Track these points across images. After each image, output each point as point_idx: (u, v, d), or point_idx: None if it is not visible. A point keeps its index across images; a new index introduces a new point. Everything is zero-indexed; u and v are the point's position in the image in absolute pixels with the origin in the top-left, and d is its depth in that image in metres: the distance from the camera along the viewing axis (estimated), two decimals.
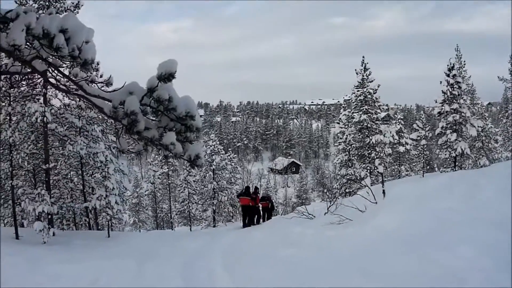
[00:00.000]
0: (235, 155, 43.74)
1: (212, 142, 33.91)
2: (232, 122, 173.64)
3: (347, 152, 28.90)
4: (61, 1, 16.95)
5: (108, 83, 5.68)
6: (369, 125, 27.16)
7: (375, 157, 24.82)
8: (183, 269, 10.28)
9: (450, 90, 17.39)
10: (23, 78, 14.12)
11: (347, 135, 28.78)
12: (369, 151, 26.96)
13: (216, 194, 33.13)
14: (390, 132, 23.66)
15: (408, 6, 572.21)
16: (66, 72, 5.46)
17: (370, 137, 26.35)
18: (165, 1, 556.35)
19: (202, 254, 12.19)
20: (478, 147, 26.07)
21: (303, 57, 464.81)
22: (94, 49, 4.69)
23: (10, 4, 21.62)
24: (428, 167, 23.17)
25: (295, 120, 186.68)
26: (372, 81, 27.68)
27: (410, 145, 28.74)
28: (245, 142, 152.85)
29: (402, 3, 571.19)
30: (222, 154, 34.99)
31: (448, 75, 17.59)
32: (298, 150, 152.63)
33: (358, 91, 27.77)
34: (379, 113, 27.49)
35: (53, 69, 5.12)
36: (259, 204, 20.17)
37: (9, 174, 15.31)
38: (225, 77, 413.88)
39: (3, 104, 15.47)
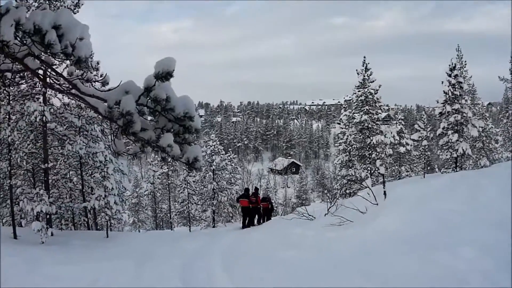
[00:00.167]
0: (235, 156, 43.70)
1: (212, 142, 33.82)
2: (233, 122, 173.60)
3: (347, 153, 28.82)
4: (61, 0, 16.84)
5: (104, 82, 5.46)
6: (370, 126, 27.09)
7: (376, 158, 24.73)
8: (182, 270, 10.20)
9: (452, 90, 17.30)
10: (19, 77, 13.95)
11: (347, 136, 28.69)
12: (370, 152, 26.88)
13: (216, 195, 33.04)
14: (391, 133, 23.60)
15: (408, 6, 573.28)
16: (63, 72, 5.28)
17: (371, 138, 26.27)
18: (165, 0, 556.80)
19: (202, 255, 12.10)
20: (479, 148, 25.99)
21: (303, 57, 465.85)
22: (89, 46, 4.54)
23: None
24: (428, 168, 23.07)
25: (295, 120, 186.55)
26: (373, 81, 27.61)
27: (411, 145, 28.65)
28: (245, 142, 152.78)
29: (402, 3, 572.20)
30: (222, 154, 34.89)
31: (449, 75, 17.50)
32: (298, 150, 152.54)
33: (359, 91, 27.70)
34: (380, 113, 27.42)
35: (46, 67, 4.97)
36: (261, 205, 20.13)
37: (8, 174, 15.23)
38: (225, 77, 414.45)
39: (2, 103, 15.39)
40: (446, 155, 17.55)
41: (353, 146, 28.26)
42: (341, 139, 30.29)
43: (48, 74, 5.34)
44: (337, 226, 12.07)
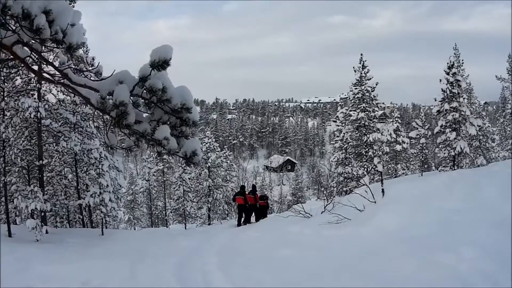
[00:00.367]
0: (231, 153, 43.54)
1: (208, 139, 33.65)
2: (228, 119, 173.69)
3: (343, 150, 28.72)
4: None
5: (97, 72, 5.14)
6: (366, 123, 26.99)
7: (374, 156, 24.63)
8: (178, 269, 10.07)
9: (450, 88, 17.21)
10: (11, 67, 13.59)
11: (344, 133, 28.59)
12: (366, 150, 26.79)
13: (211, 192, 32.90)
14: (388, 130, 23.53)
15: (405, 5, 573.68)
16: (56, 65, 5.04)
17: (368, 135, 26.16)
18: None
19: (198, 254, 11.97)
20: (475, 146, 25.97)
21: (299, 55, 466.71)
22: (81, 33, 4.30)
23: None
24: (426, 166, 23.03)
25: (290, 118, 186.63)
26: (370, 78, 27.47)
27: (407, 143, 28.61)
28: (241, 139, 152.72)
29: (400, 3, 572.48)
30: (218, 151, 34.75)
31: (448, 73, 17.41)
32: (293, 148, 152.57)
33: (356, 88, 27.57)
34: (376, 111, 27.32)
35: (35, 55, 4.70)
36: (259, 203, 20.04)
37: (2, 171, 15.05)
38: (221, 74, 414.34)
39: None
40: (444, 153, 17.49)
41: (349, 143, 28.16)
42: (337, 136, 30.18)
43: (38, 62, 5.09)
44: (335, 224, 11.99)
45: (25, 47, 4.49)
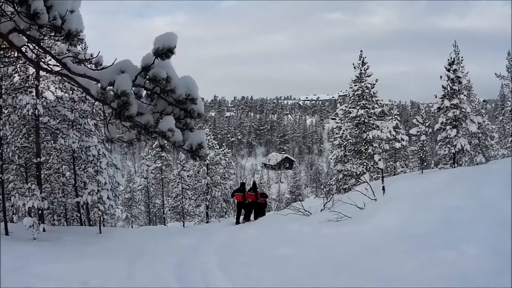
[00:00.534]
0: (229, 150, 43.43)
1: (206, 136, 33.53)
2: (226, 117, 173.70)
3: (343, 148, 28.63)
4: None
5: (97, 63, 4.85)
6: (366, 120, 26.90)
7: (374, 153, 24.56)
8: (177, 268, 9.97)
9: (451, 85, 17.11)
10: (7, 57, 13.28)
11: (343, 130, 28.49)
12: (366, 147, 26.71)
13: (210, 190, 32.83)
14: (387, 128, 23.47)
15: (402, 3, 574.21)
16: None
17: (367, 133, 26.08)
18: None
19: (196, 252, 11.88)
20: (475, 144, 25.88)
21: (298, 53, 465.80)
22: (81, 20, 4.12)
23: None
24: (425, 164, 22.93)
25: (289, 115, 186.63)
26: (369, 75, 27.39)
27: (406, 141, 28.52)
28: (239, 137, 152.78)
29: (397, 2, 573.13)
30: (216, 149, 34.70)
31: (448, 70, 17.29)
32: (292, 145, 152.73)
33: (355, 85, 27.47)
34: (376, 108, 27.23)
35: (32, 43, 4.49)
36: (260, 200, 19.95)
37: (0, 168, 14.93)
38: (219, 72, 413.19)
39: None
40: (444, 150, 17.39)
41: (348, 141, 28.06)
42: (337, 133, 30.10)
43: (35, 51, 4.87)
44: (335, 222, 11.90)
45: (22, 36, 4.31)
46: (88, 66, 4.67)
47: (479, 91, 33.03)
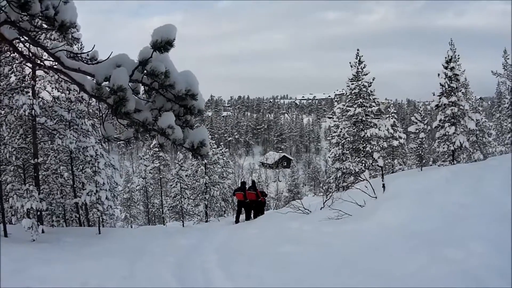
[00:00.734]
0: (227, 150, 43.35)
1: None
2: (223, 116, 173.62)
3: (340, 146, 28.63)
4: None
5: (93, 57, 4.56)
6: (363, 119, 26.89)
7: (373, 151, 24.53)
8: (177, 268, 9.92)
9: (448, 82, 17.12)
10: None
11: (341, 129, 28.50)
12: (364, 145, 26.70)
13: (208, 189, 32.80)
14: (385, 126, 23.46)
15: (400, 1, 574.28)
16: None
17: (365, 131, 26.07)
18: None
19: (196, 252, 11.83)
20: (472, 141, 25.93)
21: (295, 52, 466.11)
22: (75, 12, 3.93)
23: None
24: (423, 161, 22.92)
25: (286, 114, 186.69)
26: (366, 74, 27.38)
27: (404, 139, 28.56)
28: (236, 136, 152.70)
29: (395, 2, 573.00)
30: (214, 148, 34.69)
31: (446, 68, 17.31)
32: (289, 144, 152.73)
33: (352, 84, 27.48)
34: (373, 106, 27.22)
35: (24, 36, 4.27)
36: (261, 198, 19.90)
37: None
38: (215, 71, 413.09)
39: None
40: (443, 148, 17.40)
41: (346, 139, 28.06)
42: (334, 132, 30.10)
43: (28, 46, 4.67)
44: (335, 220, 11.82)
45: (14, 29, 4.13)
46: (83, 61, 4.48)
47: (475, 89, 33.10)
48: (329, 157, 31.78)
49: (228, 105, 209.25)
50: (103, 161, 17.34)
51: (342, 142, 28.43)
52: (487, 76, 30.48)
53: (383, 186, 13.06)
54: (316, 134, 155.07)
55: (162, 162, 41.32)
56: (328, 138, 35.49)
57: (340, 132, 28.61)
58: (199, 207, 33.89)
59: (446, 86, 17.28)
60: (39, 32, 10.71)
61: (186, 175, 34.29)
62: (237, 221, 19.34)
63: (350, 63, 27.93)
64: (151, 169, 41.92)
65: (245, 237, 13.39)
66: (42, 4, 3.64)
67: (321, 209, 14.82)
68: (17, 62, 15.43)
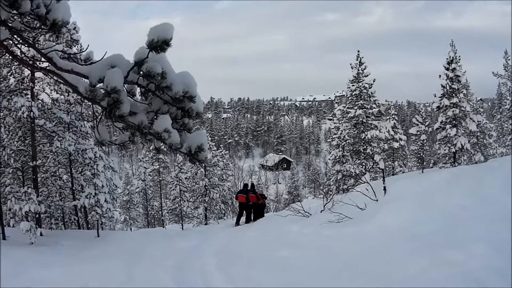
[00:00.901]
0: (226, 152, 43.30)
1: None
2: (223, 118, 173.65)
3: (341, 148, 28.53)
4: None
5: (87, 58, 4.43)
6: (364, 121, 26.80)
7: (373, 153, 24.45)
8: (176, 271, 9.84)
9: (450, 84, 17.04)
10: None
11: (341, 131, 28.40)
12: (364, 147, 26.61)
13: (208, 191, 32.71)
14: (386, 127, 23.37)
15: (398, 2, 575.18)
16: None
17: (366, 133, 25.98)
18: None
19: (196, 255, 11.74)
20: (473, 143, 25.85)
21: (293, 54, 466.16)
22: (68, 10, 3.80)
23: None
24: (424, 163, 22.88)
25: (286, 116, 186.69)
26: (367, 75, 27.30)
27: (404, 141, 28.49)
28: (236, 138, 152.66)
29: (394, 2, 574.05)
30: (214, 150, 34.62)
31: (447, 69, 17.23)
32: (289, 146, 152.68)
33: (353, 85, 27.39)
34: (374, 108, 27.13)
35: (15, 36, 4.14)
36: (261, 201, 19.82)
37: None
38: (215, 73, 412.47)
39: None
40: (444, 149, 17.32)
41: (346, 141, 27.97)
42: (335, 134, 30.00)
43: (20, 47, 4.53)
44: (336, 223, 11.74)
45: (5, 29, 3.96)
46: (77, 62, 4.35)
47: (476, 90, 33.00)
48: (329, 159, 31.68)
49: (228, 107, 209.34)
50: (102, 163, 17.27)
51: (343, 144, 28.34)
52: (487, 77, 30.43)
53: (384, 188, 12.96)
54: (316, 136, 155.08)
55: (161, 164, 41.30)
56: (328, 140, 35.41)
57: (341, 134, 28.52)
58: (198, 209, 33.76)
59: (448, 88, 17.19)
60: (36, 33, 10.61)
61: (185, 178, 34.18)
62: (237, 223, 19.26)
63: (350, 64, 27.84)
64: (150, 172, 41.89)
65: (244, 240, 13.30)
66: (33, 2, 3.52)
67: (321, 212, 14.73)
68: (16, 64, 15.36)
